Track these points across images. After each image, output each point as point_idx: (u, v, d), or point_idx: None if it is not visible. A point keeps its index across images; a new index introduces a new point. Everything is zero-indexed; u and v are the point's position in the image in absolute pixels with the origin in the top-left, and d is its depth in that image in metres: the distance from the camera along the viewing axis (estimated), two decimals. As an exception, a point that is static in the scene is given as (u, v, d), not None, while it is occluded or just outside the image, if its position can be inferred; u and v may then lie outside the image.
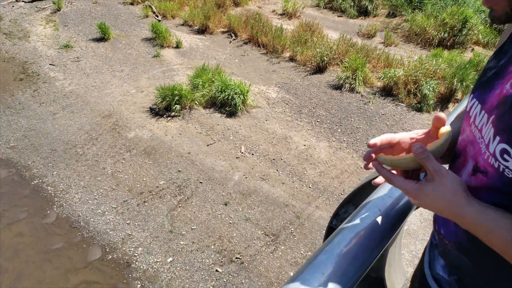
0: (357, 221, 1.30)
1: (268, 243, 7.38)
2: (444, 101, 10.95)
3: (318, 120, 10.52)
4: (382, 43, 14.56)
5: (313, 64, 12.79)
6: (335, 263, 1.12)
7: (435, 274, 1.43)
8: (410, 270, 2.54)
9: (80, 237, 7.14)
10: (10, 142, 9.36)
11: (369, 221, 1.30)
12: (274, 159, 9.10)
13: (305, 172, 8.84)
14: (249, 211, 7.81)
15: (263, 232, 7.53)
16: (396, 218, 1.38)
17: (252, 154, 9.20)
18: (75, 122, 10.07)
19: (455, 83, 10.53)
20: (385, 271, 2.14)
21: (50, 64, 12.66)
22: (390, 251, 2.09)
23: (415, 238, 2.46)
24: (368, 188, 1.77)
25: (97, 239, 7.10)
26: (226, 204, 7.85)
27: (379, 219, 1.32)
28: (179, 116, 10.27)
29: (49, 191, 8.08)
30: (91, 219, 7.46)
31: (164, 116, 10.25)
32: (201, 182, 8.29)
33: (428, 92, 10.52)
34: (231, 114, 10.41)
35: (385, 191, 1.44)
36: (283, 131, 10.05)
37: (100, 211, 7.63)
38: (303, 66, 13.00)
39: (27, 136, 9.56)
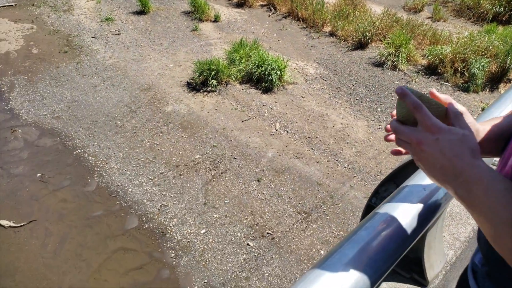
0: (399, 200, 1.29)
1: (300, 221, 7.47)
2: (495, 81, 10.37)
3: (357, 98, 10.30)
4: (430, 18, 13.85)
5: (354, 39, 12.42)
6: (375, 240, 1.12)
7: (474, 265, 1.37)
8: (451, 253, 2.50)
9: (118, 206, 7.54)
10: (55, 113, 9.87)
11: (411, 201, 1.28)
12: (309, 137, 9.07)
13: (341, 151, 8.76)
14: (282, 189, 7.89)
15: (295, 209, 7.61)
16: (439, 199, 1.36)
17: (287, 132, 9.20)
18: (115, 95, 10.44)
19: (509, 62, 9.92)
20: (424, 252, 2.11)
21: (92, 37, 13.08)
22: (430, 233, 2.05)
23: (458, 221, 2.43)
24: (411, 167, 1.74)
25: (135, 209, 7.47)
26: (258, 181, 7.97)
27: (421, 200, 1.30)
28: (215, 91, 10.38)
29: (90, 161, 8.52)
30: (129, 189, 7.83)
31: (201, 91, 10.40)
32: (235, 158, 8.44)
33: (477, 71, 9.99)
34: (267, 90, 10.40)
35: None
36: (320, 108, 9.94)
37: (137, 182, 7.98)
38: (344, 41, 12.66)
39: (70, 107, 10.04)
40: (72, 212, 7.40)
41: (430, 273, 2.23)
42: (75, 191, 7.84)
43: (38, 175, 8.14)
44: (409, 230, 1.19)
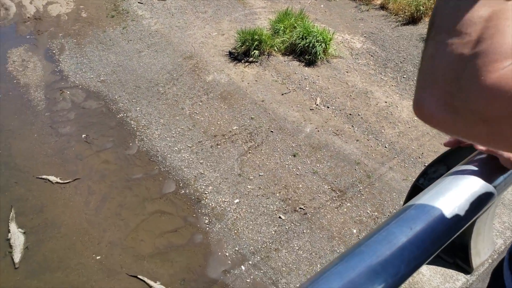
0: (449, 182, 1.25)
1: (334, 198, 7.52)
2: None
3: (405, 76, 9.98)
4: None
5: (406, 13, 11.89)
6: (424, 220, 1.09)
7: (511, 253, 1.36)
8: (500, 242, 2.47)
9: (157, 170, 7.90)
10: (100, 76, 10.31)
11: (462, 185, 1.24)
12: (350, 114, 8.97)
13: (383, 130, 8.62)
14: (318, 165, 7.93)
15: (329, 187, 7.65)
16: (494, 185, 1.29)
17: (328, 107, 9.13)
18: (158, 61, 10.72)
19: None
20: (472, 239, 2.05)
21: (138, 3, 13.34)
22: (480, 219, 1.98)
23: (510, 209, 2.39)
24: (464, 150, 1.68)
25: (172, 174, 7.80)
26: (294, 156, 8.04)
27: (474, 184, 1.25)
28: (257, 62, 10.40)
29: (132, 125, 8.91)
30: (168, 155, 8.16)
31: (242, 61, 10.45)
32: (272, 131, 8.53)
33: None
34: (310, 63, 10.28)
35: (484, 155, 1.34)
36: (364, 85, 9.74)
37: (176, 148, 8.30)
38: (395, 15, 12.15)
39: (115, 72, 10.44)
40: (114, 173, 7.85)
41: (475, 260, 2.18)
42: (117, 153, 8.27)
43: (83, 135, 8.64)
44: (460, 214, 1.16)
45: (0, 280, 6.08)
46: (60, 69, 10.55)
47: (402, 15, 12.06)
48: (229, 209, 7.22)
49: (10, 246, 6.44)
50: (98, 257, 6.43)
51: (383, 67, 10.28)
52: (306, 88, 9.60)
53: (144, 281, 6.15)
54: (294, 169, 7.85)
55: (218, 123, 8.79)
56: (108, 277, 6.18)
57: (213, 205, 7.27)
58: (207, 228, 6.94)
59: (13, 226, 6.68)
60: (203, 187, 7.56)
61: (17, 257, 6.29)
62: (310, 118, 8.84)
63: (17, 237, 6.51)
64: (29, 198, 7.28)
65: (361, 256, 0.99)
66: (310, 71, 10.11)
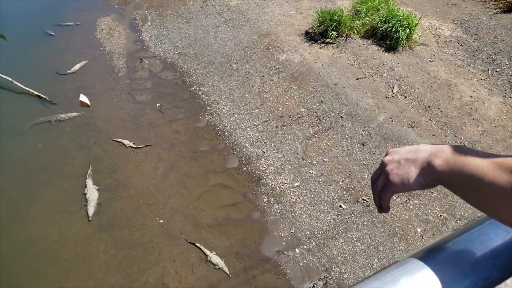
0: None
1: (401, 194, 7.25)
2: None
3: (497, 69, 9.16)
4: None
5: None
6: None
7: None
8: None
9: (223, 145, 8.17)
10: (178, 48, 10.76)
11: None
12: (429, 107, 8.48)
13: (464, 127, 8.06)
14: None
15: (397, 180, 7.38)
16: None
17: (405, 97, 8.72)
18: (234, 37, 10.90)
19: None
20: None
21: (220, -23, 13.57)
22: None
23: None
24: None
25: (237, 151, 8.02)
26: (363, 145, 7.84)
27: None
28: (334, 43, 10.16)
29: (203, 99, 9.24)
30: (234, 132, 8.38)
31: (318, 42, 10.27)
32: (341, 117, 8.37)
33: None
34: (391, 48, 9.82)
35: None
36: (448, 76, 9.12)
37: (243, 126, 8.48)
38: (494, 1, 11.09)
39: (192, 45, 10.83)
40: (182, 143, 8.26)
41: None
42: (187, 125, 8.67)
43: (157, 105, 9.15)
44: None
45: (75, 229, 6.77)
46: (141, 39, 11.18)
47: (503, 1, 10.99)
48: (288, 191, 7.29)
49: (86, 200, 7.12)
50: (161, 221, 6.88)
51: (473, 58, 9.52)
52: (384, 75, 9.22)
53: (201, 249, 6.49)
54: (361, 159, 7.67)
55: (286, 103, 8.80)
56: (168, 241, 6.61)
57: (273, 185, 7.38)
58: (265, 207, 7.09)
59: (89, 183, 7.36)
60: (265, 166, 7.69)
61: (90, 211, 6.95)
62: (385, 107, 8.51)
63: (92, 192, 7.18)
64: (105, 158, 7.94)
65: (448, 253, 0.96)
66: (390, 57, 9.68)
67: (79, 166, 7.74)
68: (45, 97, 9.19)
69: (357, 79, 9.18)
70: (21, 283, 6.09)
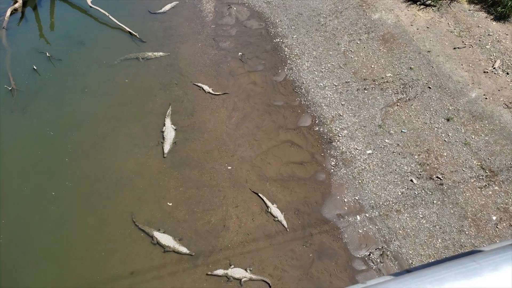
0: None
1: (481, 177, 6.92)
2: None
3: None
4: None
5: None
6: None
7: None
8: None
9: (298, 102, 8.25)
10: (267, -3, 10.73)
11: None
12: (533, 87, 7.75)
13: None
14: (473, 136, 7.26)
15: (479, 163, 7.02)
16: None
17: (507, 73, 8.01)
18: (326, -10, 10.58)
19: None
20: None
21: None
22: None
23: None
24: None
25: (311, 109, 8.08)
26: (448, 120, 7.46)
27: None
28: (435, 6, 9.45)
29: (285, 53, 9.27)
30: (312, 89, 8.39)
31: (417, 3, 9.61)
32: (429, 87, 7.96)
33: None
34: (501, 17, 8.91)
35: None
36: None
37: (321, 84, 8.45)
38: None
39: (281, -5, 10.71)
40: (258, 95, 8.48)
41: None
42: (265, 77, 8.83)
43: (239, 53, 9.37)
44: None
45: (150, 162, 7.44)
46: (231, -16, 11.28)
47: None
48: (359, 158, 7.28)
49: (163, 138, 7.73)
50: (229, 167, 7.31)
51: None
52: (487, 46, 8.49)
53: (263, 200, 6.85)
54: (443, 135, 7.35)
55: (372, 66, 8.54)
56: (234, 187, 7.05)
57: (344, 150, 7.40)
58: (332, 170, 7.19)
59: (168, 122, 7.93)
60: (338, 129, 7.68)
61: (166, 148, 7.56)
62: (480, 82, 7.93)
63: (169, 131, 7.76)
64: (184, 100, 8.45)
65: None
66: (499, 27, 8.83)
67: (159, 105, 8.34)
68: (135, 34, 9.82)
69: (454, 48, 8.56)
70: (100, 205, 6.93)
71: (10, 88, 8.39)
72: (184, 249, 6.42)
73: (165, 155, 7.48)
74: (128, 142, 7.73)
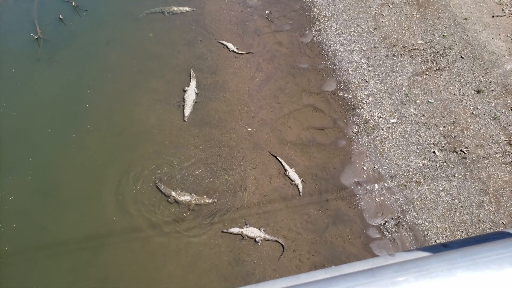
0: None
1: (507, 153, 6.79)
2: None
3: None
4: None
5: None
6: None
7: None
8: None
9: (323, 65, 8.12)
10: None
11: None
12: None
13: None
14: (503, 111, 7.06)
15: (507, 139, 6.87)
16: None
17: (547, 46, 7.67)
18: None
19: None
20: None
21: None
22: None
23: None
24: None
25: (337, 74, 7.95)
26: (478, 92, 7.25)
27: None
28: (477, -31, 8.97)
29: (314, 13, 9.02)
30: (339, 53, 8.22)
31: (459, -36, 9.12)
32: (462, 57, 7.69)
33: None
34: (548, -16, 8.42)
35: None
36: None
37: (349, 48, 8.26)
38: None
39: (313, -49, 10.30)
40: (283, 56, 8.37)
41: None
42: (291, 38, 8.67)
43: (266, 12, 9.17)
44: None
45: (171, 119, 7.52)
46: None
47: None
48: (382, 126, 7.21)
49: (183, 100, 7.69)
50: (249, 129, 7.37)
51: None
52: (528, 16, 8.10)
53: (281, 163, 6.93)
54: (471, 107, 7.18)
55: (403, 32, 8.27)
56: (253, 149, 7.13)
57: (367, 117, 7.34)
58: (353, 138, 7.16)
59: (193, 83, 7.87)
60: (363, 96, 7.58)
61: (187, 111, 7.51)
62: (517, 54, 7.63)
63: (191, 94, 7.69)
64: (208, 58, 8.41)
65: None
66: (544, -6, 8.36)
67: (183, 61, 8.33)
68: (162, -13, 9.70)
69: (493, 16, 8.16)
70: (121, 155, 7.11)
71: (36, 37, 8.50)
72: (206, 200, 6.63)
73: (185, 119, 7.47)
74: (151, 97, 7.81)
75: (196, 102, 7.70)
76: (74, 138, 7.30)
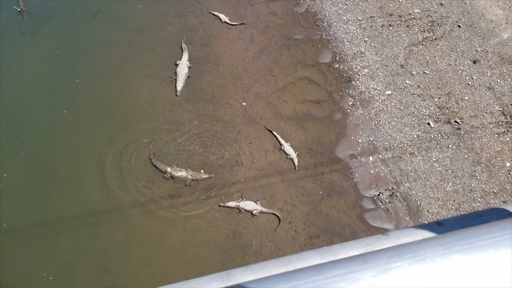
0: None
1: (500, 123, 6.86)
2: None
3: None
4: None
5: None
6: None
7: None
8: None
9: (319, 36, 8.00)
10: None
11: None
12: None
13: None
14: (498, 81, 7.07)
15: (501, 109, 6.92)
16: None
17: (545, 13, 7.60)
18: None
19: None
20: None
21: None
22: None
23: None
24: None
25: (332, 45, 7.85)
26: (475, 62, 7.23)
27: None
28: None
29: (308, -20, 8.80)
30: (334, 23, 8.08)
31: None
32: (459, 26, 7.60)
33: None
34: None
35: None
36: None
37: (345, 18, 8.11)
38: None
39: None
40: (277, 27, 8.21)
41: None
42: (286, 7, 8.47)
43: (259, -20, 8.93)
44: None
45: (164, 94, 7.44)
46: None
47: None
48: (377, 98, 7.22)
49: (175, 74, 7.56)
50: (244, 103, 7.34)
51: None
52: (527, -19, 7.96)
53: (276, 138, 6.96)
54: (467, 78, 7.18)
55: (399, 0, 8.12)
56: (248, 124, 7.13)
57: (363, 89, 7.32)
58: (349, 110, 7.18)
59: (185, 56, 7.70)
60: (359, 67, 7.53)
61: (179, 86, 7.42)
62: (514, 22, 7.56)
63: (183, 67, 7.54)
64: (199, 30, 8.23)
65: None
66: (543, -41, 8.19)
67: (174, 33, 8.15)
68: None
69: (491, -18, 8.04)
70: (114, 131, 7.07)
71: (19, 9, 8.21)
72: (203, 175, 6.68)
73: (178, 93, 7.38)
74: (142, 72, 7.68)
75: (188, 76, 7.59)
76: (65, 114, 7.24)
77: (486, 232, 1.02)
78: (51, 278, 6.08)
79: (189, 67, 7.65)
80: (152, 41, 8.09)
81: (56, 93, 7.48)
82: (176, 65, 7.66)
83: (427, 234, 1.21)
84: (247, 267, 1.14)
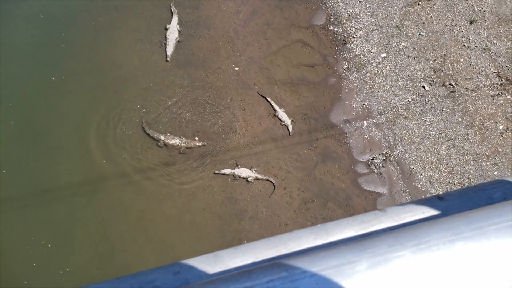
0: None
1: (495, 85, 6.84)
2: None
3: None
4: None
5: None
6: None
7: None
8: None
9: (312, -4, 7.77)
10: None
11: None
12: None
13: None
14: (495, 42, 6.98)
15: (496, 71, 6.88)
16: None
17: (544, -30, 7.39)
18: None
19: None
20: None
21: None
22: None
23: None
24: None
25: (326, 6, 7.63)
26: (471, 22, 7.10)
27: None
28: None
29: None
30: (328, -18, 7.83)
31: None
32: (456, -15, 7.43)
33: None
34: None
35: None
36: None
37: (339, -24, 7.85)
38: None
39: None
40: (269, -14, 7.92)
41: None
42: (277, -35, 8.16)
43: None
44: None
45: (154, 60, 7.25)
46: None
47: None
48: (372, 61, 7.11)
49: (165, 38, 7.32)
50: (236, 68, 7.20)
51: None
52: None
53: (270, 104, 6.89)
54: (463, 39, 7.07)
55: (396, -43, 7.85)
56: (241, 89, 7.03)
57: (357, 52, 7.20)
58: (343, 74, 7.09)
59: (174, 19, 7.43)
60: (354, 29, 7.37)
61: (169, 51, 7.20)
62: (513, -20, 7.37)
63: (173, 31, 7.29)
64: (189, -10, 7.91)
65: None
66: None
67: (163, -5, 7.84)
68: None
69: None
70: (104, 98, 6.92)
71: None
72: (197, 143, 6.64)
73: (168, 59, 7.18)
74: (131, 37, 7.43)
75: (179, 41, 7.35)
76: (53, 81, 7.05)
77: (498, 215, 0.92)
78: (49, 245, 6.15)
79: (179, 31, 7.39)
80: (139, 3, 7.78)
81: (42, 60, 7.24)
82: (166, 29, 7.41)
83: (427, 210, 1.14)
84: (236, 248, 1.08)
